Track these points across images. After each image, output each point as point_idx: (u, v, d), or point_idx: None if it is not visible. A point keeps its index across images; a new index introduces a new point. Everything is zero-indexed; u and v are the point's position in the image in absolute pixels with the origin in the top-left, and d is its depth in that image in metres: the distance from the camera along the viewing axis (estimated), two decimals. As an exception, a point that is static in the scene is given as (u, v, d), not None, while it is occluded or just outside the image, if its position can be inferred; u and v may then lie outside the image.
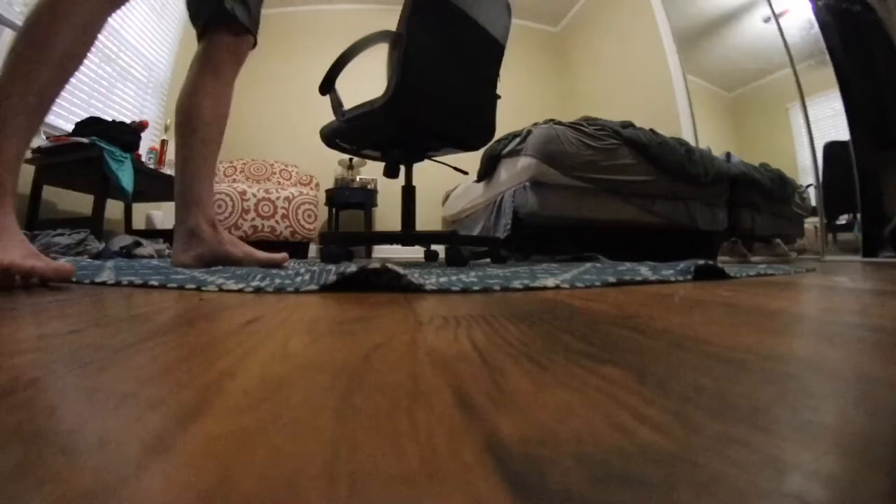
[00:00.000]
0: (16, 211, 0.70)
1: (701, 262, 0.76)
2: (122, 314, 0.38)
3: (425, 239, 1.78)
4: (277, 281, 0.59)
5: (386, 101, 1.28)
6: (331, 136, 1.51)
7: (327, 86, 1.43)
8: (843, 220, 2.68)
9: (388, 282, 0.56)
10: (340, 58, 1.39)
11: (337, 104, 1.44)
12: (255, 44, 1.05)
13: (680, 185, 1.99)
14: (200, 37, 0.99)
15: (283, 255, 0.99)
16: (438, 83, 1.39)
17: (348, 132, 1.46)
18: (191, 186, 0.92)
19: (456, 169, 1.68)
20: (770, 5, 2.69)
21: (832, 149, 2.56)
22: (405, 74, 1.27)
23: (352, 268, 0.57)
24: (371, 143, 1.57)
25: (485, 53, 1.52)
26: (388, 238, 1.67)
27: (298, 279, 0.63)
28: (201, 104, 0.94)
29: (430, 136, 1.47)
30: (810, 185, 2.72)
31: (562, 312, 0.37)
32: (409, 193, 1.59)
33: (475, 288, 0.54)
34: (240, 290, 0.53)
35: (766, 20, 2.77)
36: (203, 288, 0.54)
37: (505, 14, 1.56)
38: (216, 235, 0.93)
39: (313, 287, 0.54)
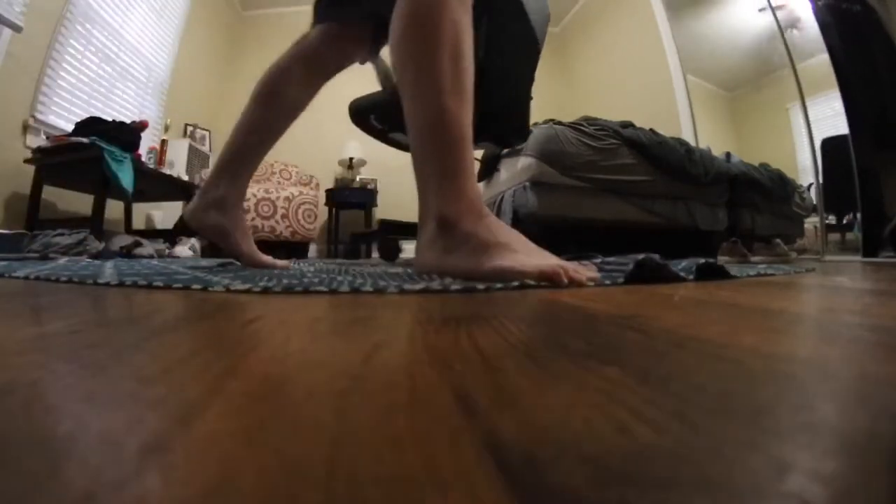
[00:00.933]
0: None
1: (702, 260, 0.75)
2: (123, 314, 0.38)
3: None
4: (285, 281, 0.59)
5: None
6: (364, 111, 1.34)
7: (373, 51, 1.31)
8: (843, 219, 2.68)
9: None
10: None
11: (385, 72, 1.23)
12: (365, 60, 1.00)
13: (680, 185, 1.99)
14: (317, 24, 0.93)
15: (286, 262, 0.95)
16: (500, 70, 1.25)
17: (388, 108, 1.27)
18: (242, 157, 0.89)
19: (484, 164, 1.57)
20: (770, 7, 2.69)
21: (831, 144, 2.55)
22: (493, 53, 1.13)
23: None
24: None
25: (530, 54, 1.44)
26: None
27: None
28: (289, 88, 0.92)
29: (477, 124, 1.34)
30: (811, 184, 2.72)
31: (562, 312, 0.37)
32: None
33: (480, 287, 0.54)
34: (247, 291, 0.52)
35: (762, 10, 2.76)
36: (210, 288, 0.54)
37: (546, 19, 1.48)
38: (237, 216, 0.89)
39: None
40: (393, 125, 1.40)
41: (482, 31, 1.11)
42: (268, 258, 0.92)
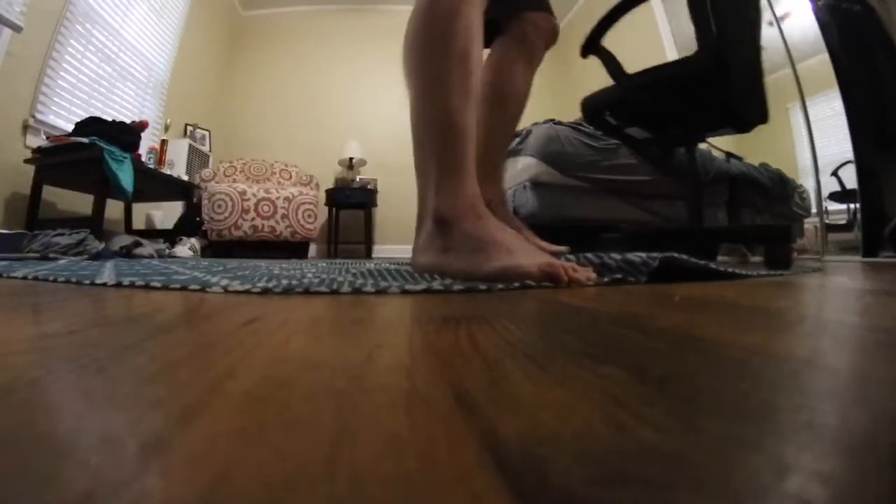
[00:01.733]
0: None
1: (662, 255, 0.63)
2: (123, 314, 0.38)
3: (721, 236, 1.54)
4: (284, 282, 0.59)
5: (711, 54, 1.02)
6: (599, 108, 1.27)
7: (592, 46, 1.20)
8: (842, 219, 2.68)
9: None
10: (613, 10, 1.16)
11: (614, 65, 1.18)
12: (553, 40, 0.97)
13: (680, 184, 1.99)
14: (503, 21, 0.93)
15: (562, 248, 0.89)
16: (743, 41, 1.14)
17: (623, 103, 1.21)
18: (490, 160, 0.86)
19: (729, 154, 1.48)
20: (771, 8, 2.69)
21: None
22: (723, 24, 1.03)
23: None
24: (649, 118, 1.30)
25: (754, 17, 1.25)
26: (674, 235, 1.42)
27: (307, 280, 0.63)
28: (515, 84, 0.92)
29: (719, 109, 1.18)
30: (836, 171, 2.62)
31: (562, 312, 0.37)
32: (697, 184, 1.32)
33: (499, 287, 0.53)
34: (246, 292, 0.52)
35: (769, 24, 2.76)
36: (208, 289, 0.54)
37: None
38: (502, 214, 0.86)
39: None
40: (628, 120, 1.35)
41: (707, 5, 1.03)
42: (547, 245, 0.88)
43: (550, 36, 1.00)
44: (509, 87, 0.92)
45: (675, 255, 0.65)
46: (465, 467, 0.10)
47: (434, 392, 0.16)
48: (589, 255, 0.73)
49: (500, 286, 0.53)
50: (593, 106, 1.28)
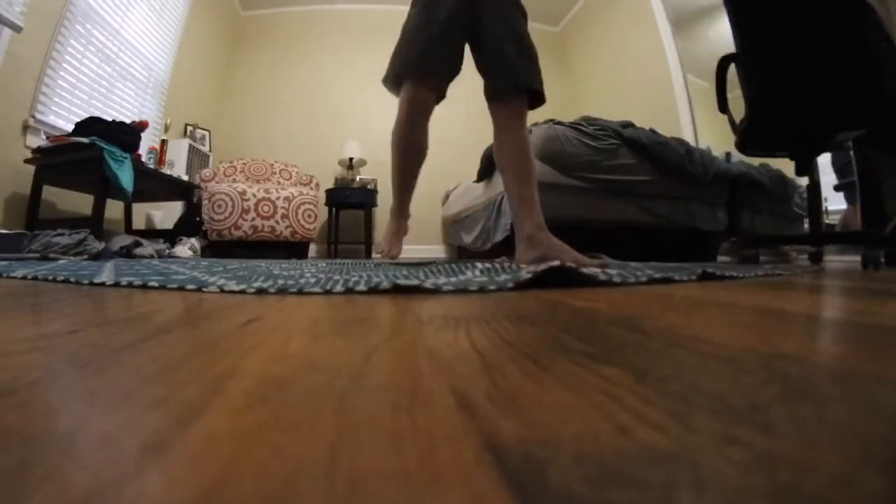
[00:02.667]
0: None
1: (555, 263, 0.66)
2: (122, 314, 0.38)
3: (837, 238, 1.69)
4: (281, 282, 0.59)
5: None
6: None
7: (723, 105, 1.46)
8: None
9: None
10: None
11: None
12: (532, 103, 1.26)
13: (680, 185, 1.99)
14: (492, 97, 1.23)
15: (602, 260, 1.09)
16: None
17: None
18: (526, 207, 1.17)
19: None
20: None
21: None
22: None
23: None
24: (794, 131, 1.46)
25: None
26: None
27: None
28: (505, 154, 1.22)
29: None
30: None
31: (562, 312, 0.37)
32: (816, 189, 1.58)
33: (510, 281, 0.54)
34: (241, 291, 0.53)
35: None
36: (204, 289, 0.54)
37: None
38: (545, 240, 1.11)
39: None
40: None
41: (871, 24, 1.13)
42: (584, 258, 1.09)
43: (518, 110, 1.21)
44: (505, 152, 1.22)
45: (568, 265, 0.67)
46: (465, 467, 0.10)
47: (434, 392, 0.16)
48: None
49: (492, 287, 0.56)
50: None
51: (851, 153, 1.52)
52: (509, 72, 1.16)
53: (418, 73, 1.19)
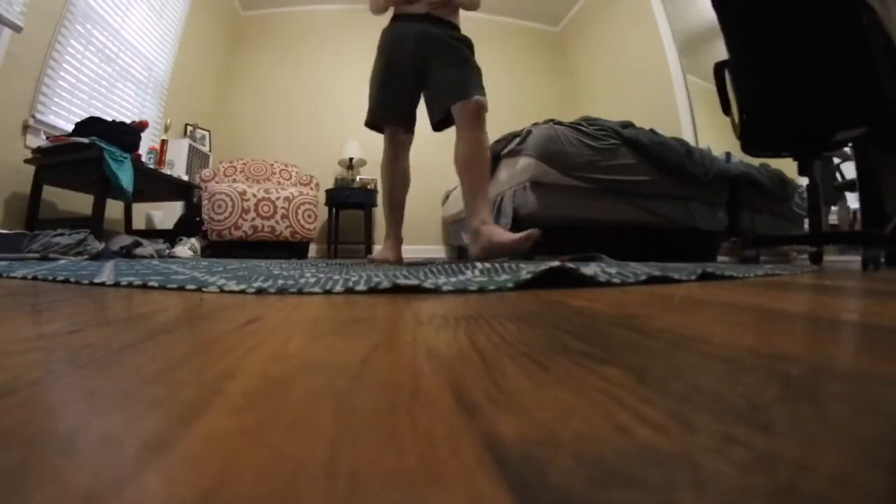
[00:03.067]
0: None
1: (555, 264, 0.66)
2: (122, 314, 0.38)
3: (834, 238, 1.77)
4: (280, 282, 0.59)
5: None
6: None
7: (726, 107, 1.53)
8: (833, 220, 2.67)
9: None
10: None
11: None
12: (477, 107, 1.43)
13: (680, 185, 1.99)
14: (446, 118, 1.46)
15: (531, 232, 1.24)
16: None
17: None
18: (470, 204, 1.37)
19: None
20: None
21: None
22: None
23: None
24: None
25: None
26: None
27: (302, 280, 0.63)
28: (459, 155, 1.40)
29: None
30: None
31: (562, 312, 0.37)
32: (815, 190, 1.65)
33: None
34: (241, 292, 0.53)
35: None
36: (204, 289, 0.54)
37: None
38: (485, 231, 1.29)
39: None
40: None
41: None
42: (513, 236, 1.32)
43: (475, 111, 1.38)
44: (458, 154, 1.40)
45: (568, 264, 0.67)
46: (465, 467, 0.10)
47: (434, 392, 0.16)
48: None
49: (491, 287, 0.56)
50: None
51: (835, 160, 1.55)
52: (462, 86, 1.38)
53: (383, 122, 1.51)
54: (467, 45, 1.46)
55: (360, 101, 2.34)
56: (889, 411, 0.14)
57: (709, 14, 1.48)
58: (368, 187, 3.84)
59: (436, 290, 0.53)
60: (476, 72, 1.42)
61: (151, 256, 1.95)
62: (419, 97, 1.50)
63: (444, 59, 1.41)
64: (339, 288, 0.54)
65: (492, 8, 4.39)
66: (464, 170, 1.38)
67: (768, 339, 0.26)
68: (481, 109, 1.37)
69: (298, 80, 4.40)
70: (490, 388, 0.16)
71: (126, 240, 2.00)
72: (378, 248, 1.68)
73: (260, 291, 0.52)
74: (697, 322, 0.32)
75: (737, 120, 1.52)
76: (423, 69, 1.43)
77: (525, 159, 1.88)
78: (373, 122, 1.54)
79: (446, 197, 3.45)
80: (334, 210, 3.78)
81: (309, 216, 3.02)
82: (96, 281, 0.63)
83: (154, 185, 2.56)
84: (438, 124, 1.48)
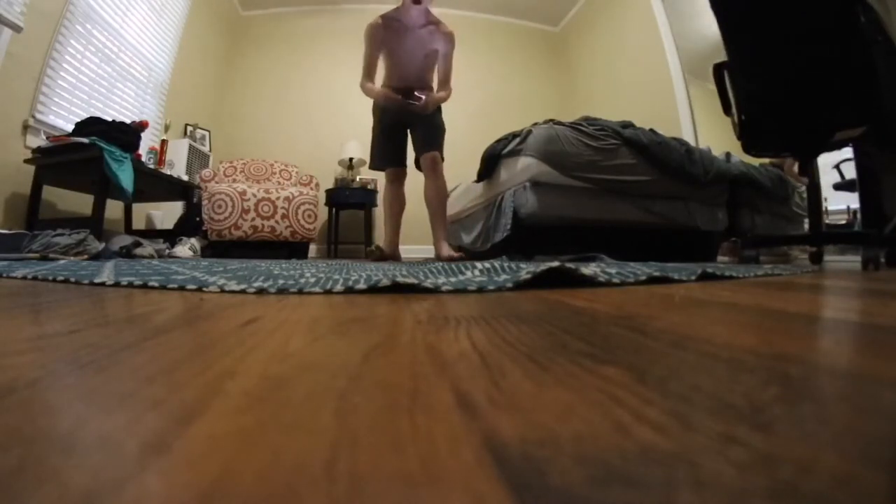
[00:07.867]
0: None
1: (555, 264, 0.66)
2: (122, 314, 0.38)
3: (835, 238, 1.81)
4: (280, 282, 0.59)
5: None
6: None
7: (727, 107, 1.52)
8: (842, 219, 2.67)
9: None
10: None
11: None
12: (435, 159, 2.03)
13: (680, 185, 1.99)
14: (417, 164, 2.09)
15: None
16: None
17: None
18: (434, 231, 2.02)
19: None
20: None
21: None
22: None
23: None
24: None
25: None
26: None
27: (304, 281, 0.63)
28: (427, 194, 2.03)
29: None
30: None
31: (562, 312, 0.37)
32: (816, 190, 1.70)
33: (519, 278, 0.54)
34: (241, 291, 0.53)
35: None
36: (204, 289, 0.54)
37: None
38: (445, 253, 1.90)
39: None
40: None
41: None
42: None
43: (430, 163, 1.99)
44: (425, 191, 2.03)
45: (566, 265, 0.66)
46: (466, 467, 0.10)
47: (434, 392, 0.16)
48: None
49: (491, 287, 0.56)
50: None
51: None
52: (424, 144, 2.00)
53: (383, 166, 2.09)
54: (438, 109, 2.05)
55: (360, 100, 2.37)
56: (889, 411, 0.14)
57: (709, 13, 1.48)
58: (368, 187, 3.83)
59: (435, 290, 0.53)
60: (439, 132, 2.03)
61: (151, 256, 1.95)
62: (407, 143, 2.09)
63: (422, 123, 2.01)
64: (339, 287, 0.54)
65: (492, 8, 4.39)
66: (427, 204, 2.03)
67: (768, 339, 0.26)
68: (436, 162, 1.99)
69: (298, 79, 4.40)
70: (490, 389, 0.16)
71: (126, 240, 2.00)
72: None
73: (260, 291, 0.52)
74: (697, 322, 0.32)
75: (737, 120, 1.52)
76: (405, 127, 2.07)
77: (525, 159, 1.88)
78: (375, 167, 2.13)
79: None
80: (334, 210, 3.78)
81: (309, 216, 3.02)
82: (96, 281, 0.63)
83: (154, 185, 2.56)
84: (416, 164, 2.09)
